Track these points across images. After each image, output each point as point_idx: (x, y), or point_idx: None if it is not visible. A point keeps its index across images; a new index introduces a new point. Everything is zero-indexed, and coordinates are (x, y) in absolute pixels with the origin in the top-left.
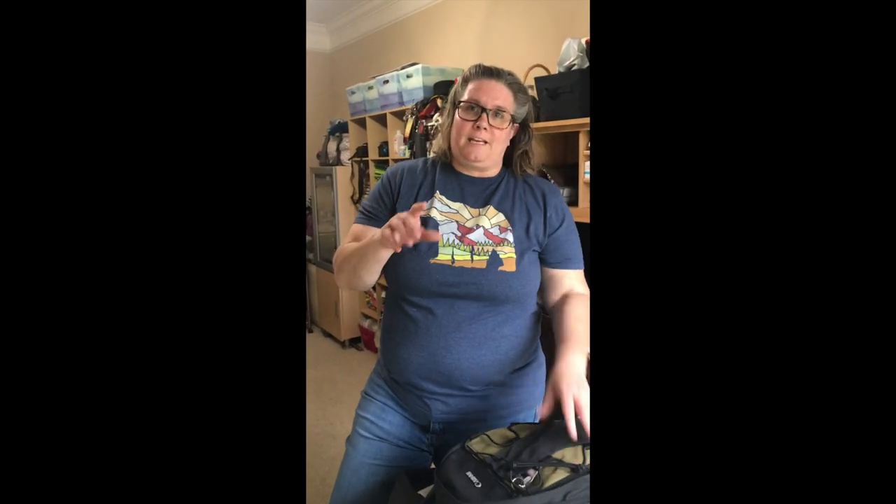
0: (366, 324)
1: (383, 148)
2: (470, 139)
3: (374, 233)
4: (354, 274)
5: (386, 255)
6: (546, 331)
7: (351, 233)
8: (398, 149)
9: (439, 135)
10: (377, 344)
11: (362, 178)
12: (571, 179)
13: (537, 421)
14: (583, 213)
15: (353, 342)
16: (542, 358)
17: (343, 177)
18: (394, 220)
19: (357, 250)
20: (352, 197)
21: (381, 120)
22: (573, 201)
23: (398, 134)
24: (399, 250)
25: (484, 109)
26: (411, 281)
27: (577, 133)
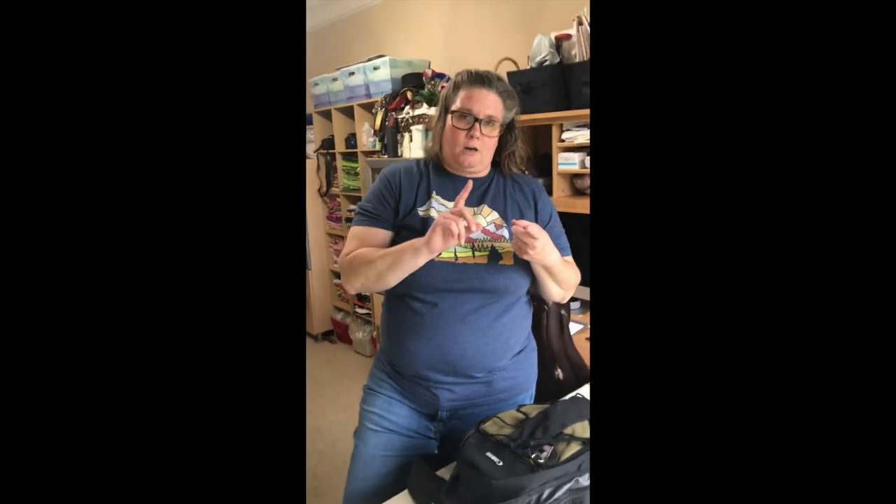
0: (338, 317)
1: (351, 140)
2: (465, 147)
3: (381, 234)
4: (379, 279)
5: (423, 261)
6: (535, 319)
7: (354, 235)
8: (367, 141)
9: (430, 137)
10: (351, 336)
11: (329, 170)
12: (545, 170)
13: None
14: (556, 202)
15: (326, 335)
16: (534, 343)
17: (309, 170)
18: (443, 220)
19: (384, 256)
20: (319, 190)
21: (348, 112)
22: (547, 191)
23: (366, 126)
24: (462, 243)
25: (476, 119)
26: (418, 279)
27: (549, 126)
